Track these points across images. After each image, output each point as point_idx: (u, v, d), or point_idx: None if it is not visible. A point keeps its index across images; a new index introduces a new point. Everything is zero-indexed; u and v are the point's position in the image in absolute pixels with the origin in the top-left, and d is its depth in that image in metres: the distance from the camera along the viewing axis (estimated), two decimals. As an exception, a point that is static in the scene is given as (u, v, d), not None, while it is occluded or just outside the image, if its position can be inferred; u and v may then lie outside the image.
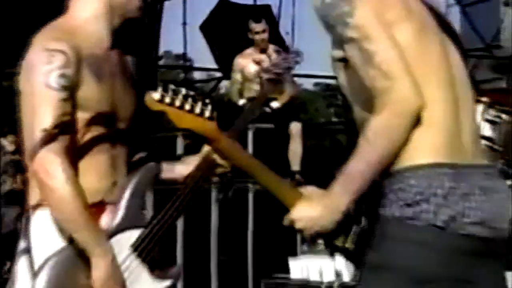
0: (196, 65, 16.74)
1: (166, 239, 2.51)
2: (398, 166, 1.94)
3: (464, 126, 2.01)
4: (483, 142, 5.03)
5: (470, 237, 1.92)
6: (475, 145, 2.08)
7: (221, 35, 11.38)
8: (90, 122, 2.30)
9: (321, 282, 4.70)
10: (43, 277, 2.20)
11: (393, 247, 1.97)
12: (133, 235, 2.34)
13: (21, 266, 2.30)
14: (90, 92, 2.30)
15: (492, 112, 5.05)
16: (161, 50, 13.41)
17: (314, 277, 4.89)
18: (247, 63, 7.65)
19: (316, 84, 24.68)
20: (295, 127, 7.38)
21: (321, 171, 7.73)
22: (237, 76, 7.73)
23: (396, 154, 1.94)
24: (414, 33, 2.00)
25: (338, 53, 2.02)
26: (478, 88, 6.39)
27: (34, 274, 2.22)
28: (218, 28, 11.55)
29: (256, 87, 7.59)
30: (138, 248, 2.33)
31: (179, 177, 2.72)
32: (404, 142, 1.92)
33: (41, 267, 2.19)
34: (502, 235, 2.03)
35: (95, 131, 2.35)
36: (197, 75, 17.69)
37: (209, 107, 1.94)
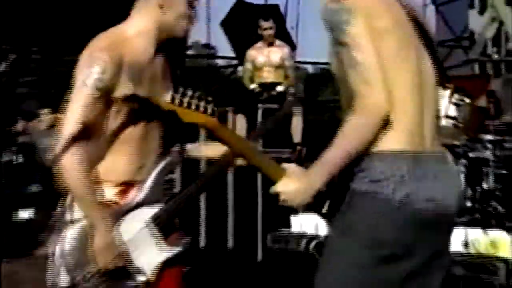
0: (218, 53, 16.94)
1: (183, 214, 2.45)
2: (377, 146, 1.96)
3: (426, 122, 2.04)
4: (449, 121, 5.08)
5: (420, 211, 1.94)
6: (433, 136, 2.09)
7: (237, 30, 11.49)
8: (125, 117, 2.28)
9: (316, 235, 4.81)
10: (75, 228, 2.24)
11: (357, 216, 1.98)
12: (152, 209, 2.32)
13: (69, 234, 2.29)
14: (126, 92, 2.28)
15: (457, 96, 5.10)
16: (190, 41, 13.99)
17: (310, 230, 5.00)
18: (257, 54, 7.77)
19: (317, 69, 25.09)
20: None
21: (320, 142, 7.76)
22: (249, 66, 7.92)
23: (366, 146, 1.94)
24: (396, 43, 2.01)
25: (333, 49, 2.02)
26: (447, 75, 6.43)
27: (71, 223, 2.25)
28: (235, 24, 11.65)
29: (264, 75, 7.73)
30: (154, 221, 2.30)
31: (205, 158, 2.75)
32: (374, 138, 1.93)
33: (75, 221, 2.22)
34: (448, 210, 2.06)
35: (129, 125, 2.33)
36: (219, 62, 18.01)
37: (211, 104, 1.95)
